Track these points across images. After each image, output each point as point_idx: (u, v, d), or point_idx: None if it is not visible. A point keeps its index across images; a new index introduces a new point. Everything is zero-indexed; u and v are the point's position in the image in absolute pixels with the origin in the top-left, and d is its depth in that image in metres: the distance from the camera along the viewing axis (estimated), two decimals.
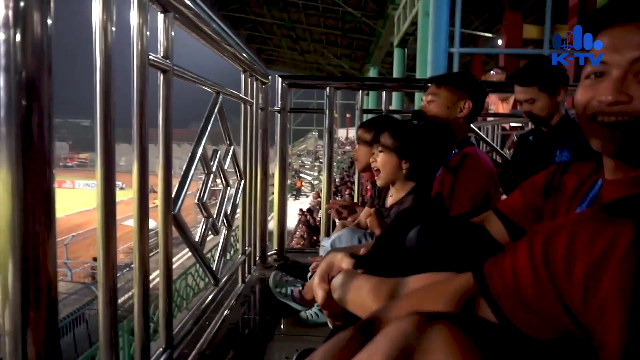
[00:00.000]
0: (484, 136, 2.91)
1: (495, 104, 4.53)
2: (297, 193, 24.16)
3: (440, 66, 5.49)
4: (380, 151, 1.33)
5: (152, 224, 1.13)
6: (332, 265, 0.85)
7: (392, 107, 2.50)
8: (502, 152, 2.79)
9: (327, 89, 2.26)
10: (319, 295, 0.81)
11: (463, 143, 1.48)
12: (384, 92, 2.38)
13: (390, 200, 1.37)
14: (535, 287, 0.44)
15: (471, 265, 0.54)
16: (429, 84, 1.54)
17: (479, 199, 1.35)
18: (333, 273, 0.83)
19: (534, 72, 1.69)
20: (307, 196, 23.67)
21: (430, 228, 0.82)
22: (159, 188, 1.02)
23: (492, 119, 4.42)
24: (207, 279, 1.73)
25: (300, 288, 1.50)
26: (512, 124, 4.40)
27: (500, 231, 0.88)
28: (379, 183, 1.36)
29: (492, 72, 5.00)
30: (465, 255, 0.76)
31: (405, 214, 1.24)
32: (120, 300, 0.84)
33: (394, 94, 11.44)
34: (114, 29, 0.73)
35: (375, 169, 1.35)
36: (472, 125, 2.53)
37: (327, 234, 2.36)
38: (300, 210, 15.67)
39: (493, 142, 4.42)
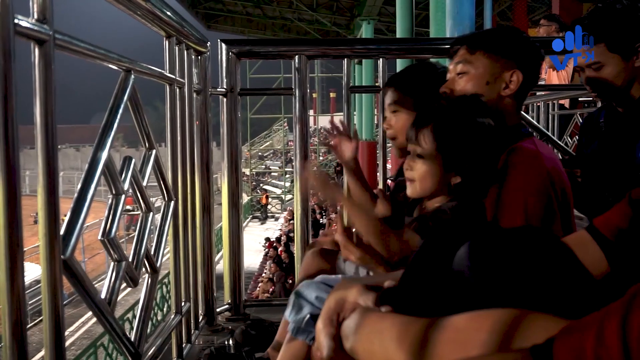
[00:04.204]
0: (531, 119, 2.97)
1: (547, 72, 4.61)
2: (263, 214, 24.12)
3: (465, 16, 5.56)
4: (419, 156, 1.32)
5: (38, 272, 1.10)
6: (344, 302, 0.85)
7: None
8: (560, 143, 2.85)
9: (297, 58, 2.27)
10: (324, 345, 0.81)
11: (516, 133, 1.49)
12: (381, 59, 2.40)
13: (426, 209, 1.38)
14: None
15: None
16: (457, 47, 1.55)
17: (536, 212, 1.37)
18: (345, 313, 0.83)
19: (601, 23, 1.71)
20: (277, 218, 23.67)
21: (487, 243, 0.81)
22: (40, 218, 1.01)
23: (542, 93, 4.50)
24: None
25: None
26: (581, 98, 4.47)
27: (595, 257, 0.91)
28: (409, 193, 1.36)
29: (540, 23, 5.10)
30: (540, 281, 0.77)
31: (443, 228, 1.25)
32: None
33: (399, 63, 11.48)
34: None
35: (409, 179, 1.35)
36: None
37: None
38: (267, 240, 15.65)
39: (547, 128, 4.51)
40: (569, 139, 4.54)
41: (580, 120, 4.31)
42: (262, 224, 23.20)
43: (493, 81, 1.49)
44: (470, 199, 1.31)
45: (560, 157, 2.61)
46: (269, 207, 24.85)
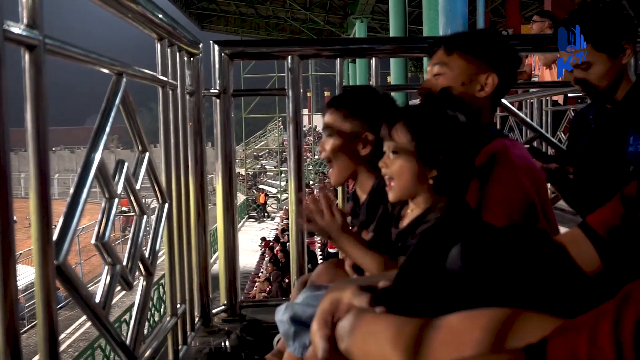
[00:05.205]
0: (525, 117, 2.97)
1: (540, 69, 4.63)
2: (261, 213, 24.10)
3: (458, 14, 5.58)
4: (394, 152, 1.31)
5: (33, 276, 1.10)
6: (339, 303, 0.85)
7: (390, 81, 2.51)
8: (554, 140, 2.85)
9: (289, 58, 2.27)
10: (319, 346, 0.82)
11: (487, 131, 1.50)
12: (373, 59, 2.40)
13: (408, 218, 1.36)
14: None
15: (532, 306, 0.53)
16: (435, 49, 1.56)
17: (519, 214, 1.38)
18: (340, 314, 0.84)
19: (585, 24, 1.71)
20: (273, 218, 23.66)
21: (479, 242, 0.82)
22: (33, 223, 1.00)
23: (536, 89, 4.52)
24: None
25: None
26: (570, 94, 4.49)
27: (588, 254, 0.91)
28: (391, 197, 1.35)
29: (533, 19, 5.11)
30: (532, 280, 0.78)
31: (435, 228, 1.25)
32: None
33: (393, 62, 11.48)
34: None
35: (386, 176, 1.34)
36: (505, 101, 2.58)
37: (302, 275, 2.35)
38: (263, 240, 15.62)
39: (540, 125, 4.52)
40: (563, 135, 4.55)
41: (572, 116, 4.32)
42: (259, 223, 23.18)
43: (468, 82, 1.50)
44: (453, 195, 1.30)
45: (553, 155, 2.62)
46: (266, 206, 24.86)
